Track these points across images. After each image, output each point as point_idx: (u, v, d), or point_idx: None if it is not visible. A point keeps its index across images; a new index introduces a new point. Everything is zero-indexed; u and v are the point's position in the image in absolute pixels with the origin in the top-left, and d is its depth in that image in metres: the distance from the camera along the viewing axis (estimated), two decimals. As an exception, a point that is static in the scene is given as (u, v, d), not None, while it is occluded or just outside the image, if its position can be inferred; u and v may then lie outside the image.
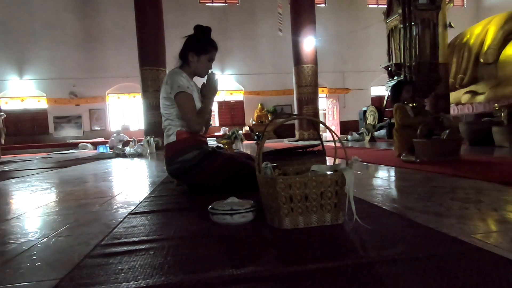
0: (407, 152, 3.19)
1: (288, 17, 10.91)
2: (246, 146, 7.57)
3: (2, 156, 7.63)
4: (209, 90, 1.95)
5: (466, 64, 9.45)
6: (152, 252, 0.97)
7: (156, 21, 8.77)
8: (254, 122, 14.35)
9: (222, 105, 15.42)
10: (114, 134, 10.81)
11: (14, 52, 13.60)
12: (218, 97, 14.76)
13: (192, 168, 1.83)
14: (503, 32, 8.86)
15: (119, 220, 1.40)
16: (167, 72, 9.38)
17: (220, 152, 1.93)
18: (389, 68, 8.21)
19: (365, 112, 9.41)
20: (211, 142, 6.85)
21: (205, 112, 1.93)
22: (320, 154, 1.84)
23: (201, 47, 1.91)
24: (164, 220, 1.36)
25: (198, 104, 1.90)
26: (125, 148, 6.81)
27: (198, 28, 1.95)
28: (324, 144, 1.80)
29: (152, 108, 8.86)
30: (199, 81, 1.95)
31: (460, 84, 9.65)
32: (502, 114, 5.03)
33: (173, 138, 1.87)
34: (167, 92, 1.83)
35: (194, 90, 1.91)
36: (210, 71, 1.97)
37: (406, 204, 1.46)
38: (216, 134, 12.56)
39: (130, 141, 7.46)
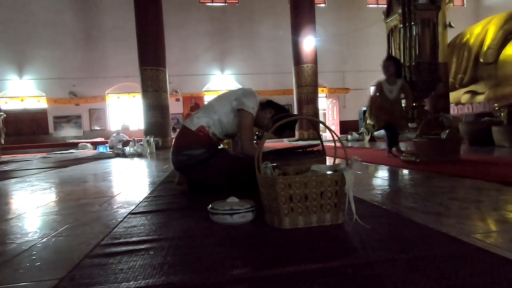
0: (406, 151, 3.20)
1: (288, 17, 10.91)
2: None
3: (2, 156, 7.63)
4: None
5: (466, 64, 9.45)
6: (152, 252, 0.97)
7: (156, 21, 8.78)
8: (254, 122, 14.33)
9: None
10: (114, 134, 10.79)
11: (14, 52, 13.60)
12: (218, 97, 14.73)
13: (197, 164, 1.83)
14: (503, 32, 8.87)
15: (119, 220, 1.40)
16: (167, 72, 9.40)
17: (226, 152, 1.94)
18: (389, 68, 8.19)
19: (365, 112, 9.42)
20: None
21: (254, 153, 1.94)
22: (320, 154, 1.84)
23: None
24: (164, 220, 1.36)
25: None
26: (125, 148, 6.81)
27: (295, 121, 1.96)
28: (324, 144, 1.80)
29: (152, 108, 8.86)
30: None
31: (460, 84, 9.66)
32: (502, 114, 5.03)
33: (193, 127, 1.86)
34: (238, 99, 1.86)
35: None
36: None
37: (406, 204, 1.46)
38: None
39: (130, 141, 7.45)
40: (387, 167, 2.89)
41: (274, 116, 1.96)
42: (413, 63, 7.49)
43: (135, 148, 6.48)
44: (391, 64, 3.53)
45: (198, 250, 0.97)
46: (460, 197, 1.56)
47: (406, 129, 3.75)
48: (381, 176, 2.45)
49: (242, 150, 1.89)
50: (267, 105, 2.00)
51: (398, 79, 3.58)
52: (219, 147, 2.07)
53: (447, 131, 3.21)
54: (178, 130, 2.09)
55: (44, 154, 9.19)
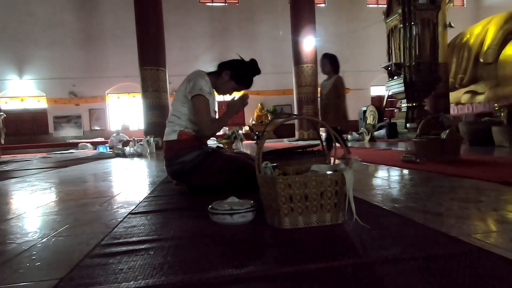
0: (406, 151, 3.20)
1: (288, 17, 10.91)
2: (246, 146, 7.57)
3: (2, 156, 7.63)
4: (234, 107, 1.95)
5: (466, 64, 9.46)
6: (152, 252, 0.97)
7: (156, 21, 8.77)
8: (254, 122, 14.36)
9: (222, 104, 15.42)
10: (114, 134, 10.80)
11: (14, 52, 13.60)
12: (218, 97, 14.75)
13: (193, 169, 1.83)
14: (503, 32, 8.87)
15: (119, 220, 1.40)
16: (166, 72, 9.40)
17: (221, 152, 1.93)
18: (389, 68, 8.23)
19: (365, 112, 9.42)
20: (211, 142, 6.84)
21: (221, 122, 1.96)
22: (320, 154, 1.84)
23: (239, 76, 1.95)
24: (164, 220, 1.36)
25: (212, 108, 1.94)
26: (125, 148, 6.81)
27: (253, 62, 1.97)
28: (324, 144, 1.80)
29: (152, 108, 8.85)
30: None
31: (460, 84, 9.66)
32: (502, 114, 5.02)
33: (174, 137, 1.87)
34: (187, 91, 1.85)
35: (211, 96, 1.94)
36: (247, 94, 1.97)
37: (406, 204, 1.46)
38: (216, 134, 12.56)
39: (130, 141, 7.45)
40: (387, 167, 2.89)
41: (232, 73, 1.93)
42: (413, 63, 7.50)
43: (135, 148, 6.48)
44: (326, 63, 3.57)
45: (198, 250, 0.97)
46: (460, 197, 1.56)
47: (344, 127, 3.77)
48: (381, 176, 2.45)
49: (202, 133, 1.86)
50: (220, 69, 1.97)
51: (335, 75, 3.59)
52: (219, 144, 2.08)
53: (447, 131, 3.20)
54: None
55: (44, 154, 9.18)
